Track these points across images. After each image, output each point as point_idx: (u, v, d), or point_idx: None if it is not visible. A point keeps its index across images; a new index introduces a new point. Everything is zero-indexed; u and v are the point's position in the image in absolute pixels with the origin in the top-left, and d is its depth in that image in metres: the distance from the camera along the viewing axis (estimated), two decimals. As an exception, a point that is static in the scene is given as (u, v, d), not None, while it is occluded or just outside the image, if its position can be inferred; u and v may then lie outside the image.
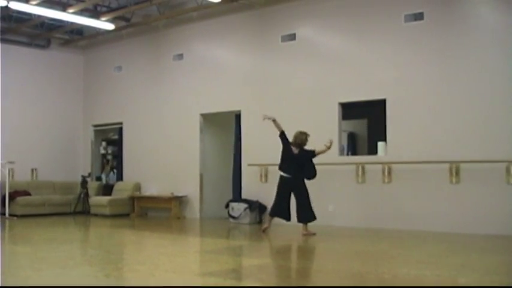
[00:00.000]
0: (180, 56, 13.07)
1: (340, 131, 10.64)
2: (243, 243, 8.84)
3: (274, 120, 9.24)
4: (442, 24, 9.43)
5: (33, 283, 5.19)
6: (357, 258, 6.91)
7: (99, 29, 13.21)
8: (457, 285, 5.14)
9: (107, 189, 14.28)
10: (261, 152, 11.24)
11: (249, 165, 11.48)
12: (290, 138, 9.25)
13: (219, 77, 12.28)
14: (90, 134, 15.22)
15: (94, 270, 6.03)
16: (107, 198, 13.25)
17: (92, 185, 14.29)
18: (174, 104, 13.11)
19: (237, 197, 11.74)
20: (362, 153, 12.62)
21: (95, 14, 12.46)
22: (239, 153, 11.92)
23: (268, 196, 10.13)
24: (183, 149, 12.79)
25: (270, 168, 10.94)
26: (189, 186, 12.63)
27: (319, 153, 9.15)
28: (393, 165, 9.72)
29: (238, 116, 12.04)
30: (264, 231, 9.17)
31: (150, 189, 13.39)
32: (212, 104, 12.40)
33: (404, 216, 9.54)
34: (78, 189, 13.84)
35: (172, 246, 8.46)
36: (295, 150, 9.14)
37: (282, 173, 9.17)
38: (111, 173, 14.99)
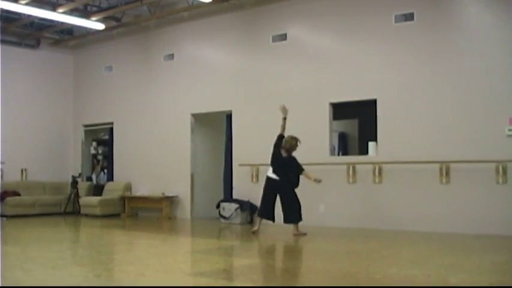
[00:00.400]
0: (171, 56, 13.04)
1: (331, 131, 10.66)
2: (234, 243, 8.83)
3: (285, 118, 9.20)
4: (432, 25, 9.47)
5: (23, 283, 5.16)
6: (348, 258, 6.93)
7: (90, 28, 13.15)
8: (448, 285, 5.16)
9: (98, 190, 14.23)
10: (252, 152, 11.24)
11: (240, 165, 11.48)
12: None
13: (210, 77, 12.26)
14: (81, 134, 15.15)
15: (84, 270, 6.01)
16: (98, 198, 13.20)
17: (83, 185, 14.23)
18: (165, 104, 13.08)
19: (228, 197, 11.73)
20: (353, 154, 12.65)
21: (85, 13, 12.40)
22: (230, 153, 11.91)
23: (259, 196, 10.10)
24: (174, 149, 12.77)
25: (261, 168, 10.93)
26: (180, 187, 12.61)
27: (304, 174, 9.06)
28: (384, 165, 9.75)
29: (229, 116, 12.03)
30: (253, 232, 9.14)
31: (141, 190, 13.35)
32: (203, 104, 12.38)
33: (394, 216, 9.56)
34: (69, 190, 13.79)
35: (162, 247, 8.44)
36: (284, 153, 9.13)
37: (270, 175, 9.13)
38: (102, 173, 14.93)
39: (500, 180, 8.61)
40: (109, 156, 14.56)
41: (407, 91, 9.63)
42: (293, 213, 8.98)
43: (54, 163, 14.74)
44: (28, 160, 14.21)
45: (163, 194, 12.53)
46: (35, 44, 14.51)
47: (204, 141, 12.86)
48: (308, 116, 10.65)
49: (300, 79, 10.88)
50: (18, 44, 14.19)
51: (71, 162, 15.09)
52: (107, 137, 14.81)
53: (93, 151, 15.26)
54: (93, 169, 15.19)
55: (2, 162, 12.78)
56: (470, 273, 5.69)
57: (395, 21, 9.79)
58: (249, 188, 11.27)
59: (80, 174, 14.40)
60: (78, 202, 13.48)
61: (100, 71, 14.65)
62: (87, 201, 13.29)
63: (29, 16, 12.56)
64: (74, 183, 13.67)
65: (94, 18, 12.34)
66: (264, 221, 9.34)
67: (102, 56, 14.61)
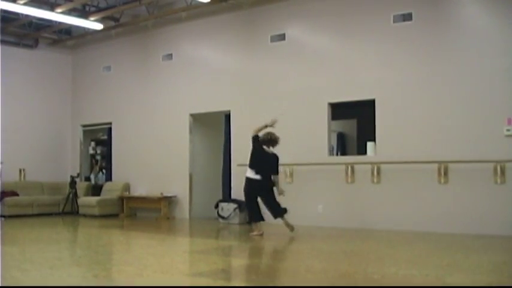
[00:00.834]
0: (169, 56, 13.04)
1: (330, 131, 10.66)
2: (233, 244, 8.82)
3: (266, 126, 9.01)
4: (430, 25, 9.47)
5: (21, 284, 5.15)
6: (346, 258, 6.93)
7: (88, 28, 13.14)
8: (445, 285, 5.16)
9: (96, 190, 14.23)
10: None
11: (239, 165, 11.46)
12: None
13: (208, 77, 12.26)
14: (79, 134, 15.15)
15: (82, 270, 6.00)
16: (96, 198, 13.19)
17: (81, 185, 14.23)
18: (164, 104, 13.08)
19: (227, 197, 11.73)
20: (351, 154, 12.66)
21: (83, 13, 12.40)
22: (229, 153, 11.91)
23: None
24: (173, 149, 12.76)
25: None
26: (178, 187, 12.60)
27: (275, 179, 9.02)
28: (382, 165, 9.75)
29: (227, 116, 12.03)
30: (261, 235, 8.92)
31: (139, 190, 13.34)
32: (202, 104, 12.38)
33: (393, 216, 9.57)
34: (67, 190, 13.77)
35: (161, 247, 8.43)
36: (267, 148, 9.02)
37: (253, 176, 8.94)
38: (100, 173, 14.93)
39: (499, 180, 8.62)
40: (107, 156, 14.55)
41: (405, 91, 9.64)
42: (279, 207, 9.00)
43: (52, 163, 14.73)
44: (26, 160, 14.19)
45: (161, 194, 12.52)
46: (33, 44, 14.50)
47: (203, 141, 12.86)
48: (306, 116, 10.66)
49: (298, 79, 10.88)
50: (16, 44, 14.17)
51: (70, 162, 15.08)
52: (105, 137, 14.81)
53: (91, 151, 15.26)
54: (91, 169, 15.19)
55: (0, 162, 12.77)
56: (469, 273, 5.69)
57: (394, 21, 9.79)
58: (247, 188, 11.26)
59: (78, 174, 14.39)
60: (77, 202, 13.47)
61: (98, 71, 14.64)
62: (86, 201, 13.29)
63: (27, 16, 12.55)
64: (73, 183, 13.65)
65: (92, 18, 12.33)
66: (265, 221, 9.32)
67: (100, 56, 14.60)
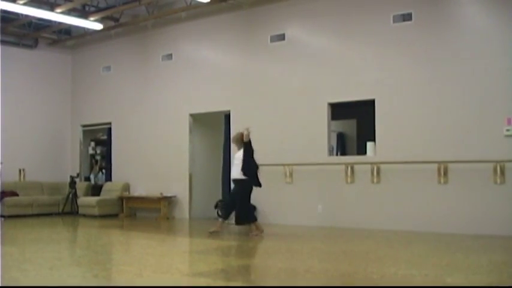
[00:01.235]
0: (169, 56, 13.03)
1: (329, 131, 10.66)
2: (232, 244, 8.82)
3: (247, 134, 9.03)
4: (430, 25, 9.47)
5: (21, 284, 5.15)
6: (345, 258, 6.93)
7: (88, 28, 13.15)
8: (445, 285, 5.16)
9: (96, 190, 14.23)
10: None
11: (238, 165, 11.47)
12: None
13: (208, 77, 12.26)
14: (79, 134, 15.14)
15: (82, 270, 6.00)
16: (96, 198, 13.19)
17: (81, 185, 14.23)
18: (163, 104, 13.08)
19: (227, 197, 11.72)
20: (351, 154, 12.65)
21: (83, 13, 12.40)
22: (228, 153, 11.88)
23: (257, 196, 10.09)
24: (172, 149, 12.76)
25: (260, 168, 10.93)
26: (178, 187, 12.60)
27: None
28: (382, 166, 9.75)
29: (227, 116, 12.03)
30: (262, 232, 9.04)
31: (139, 190, 13.34)
32: (201, 104, 12.38)
33: (392, 216, 9.57)
34: (67, 190, 13.77)
35: (160, 247, 8.43)
36: (238, 149, 9.13)
37: (246, 178, 8.93)
38: (100, 173, 14.93)
39: (498, 180, 8.62)
40: (107, 157, 14.55)
41: (405, 91, 9.64)
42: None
43: (52, 163, 14.73)
44: (26, 160, 14.19)
45: (161, 194, 12.52)
46: (33, 44, 14.50)
47: (203, 141, 12.86)
48: (306, 116, 10.66)
49: (298, 79, 10.88)
50: (16, 44, 14.17)
51: (69, 163, 15.08)
52: (105, 137, 14.81)
53: (91, 151, 15.26)
54: (91, 169, 15.18)
55: (0, 163, 12.76)
56: (468, 273, 5.69)
57: (394, 22, 9.79)
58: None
59: (78, 175, 14.38)
60: (76, 202, 13.47)
61: (98, 71, 14.64)
62: (85, 201, 13.29)
63: (27, 16, 12.55)
64: (72, 183, 13.65)
65: (92, 18, 12.33)
66: (263, 221, 9.34)
67: (100, 56, 14.59)
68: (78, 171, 14.72)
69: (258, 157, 10.45)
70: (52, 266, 6.12)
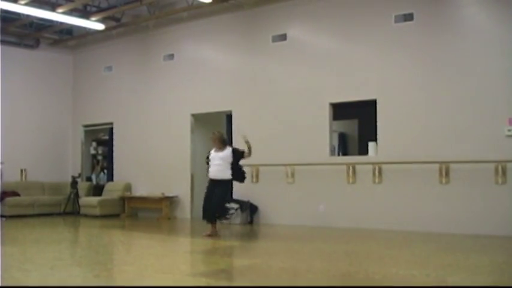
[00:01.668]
0: (171, 56, 13.04)
1: (331, 131, 10.65)
2: (234, 244, 8.81)
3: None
4: (432, 25, 9.46)
5: (22, 284, 5.15)
6: (347, 258, 6.92)
7: (89, 29, 13.14)
8: (446, 285, 5.16)
9: (97, 190, 14.23)
10: (252, 152, 11.20)
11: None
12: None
13: (210, 77, 12.26)
14: (80, 134, 15.15)
15: (83, 270, 6.00)
16: (97, 198, 13.20)
17: (82, 185, 14.23)
18: (165, 104, 13.08)
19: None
20: (353, 154, 12.65)
21: (84, 14, 12.41)
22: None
23: (259, 196, 10.14)
24: (174, 149, 12.76)
25: (261, 168, 10.95)
26: (180, 187, 12.60)
27: None
28: (384, 166, 9.74)
29: (229, 116, 12.03)
30: (210, 236, 8.85)
31: (141, 190, 13.34)
32: (203, 104, 12.38)
33: (394, 216, 9.56)
34: (68, 190, 13.78)
35: (162, 247, 8.43)
36: (218, 149, 9.16)
37: (230, 178, 8.97)
38: (102, 173, 14.93)
39: (500, 180, 8.61)
40: (109, 157, 14.56)
41: (407, 91, 9.63)
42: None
43: (53, 163, 14.74)
44: (27, 160, 14.20)
45: (163, 194, 12.52)
46: (34, 44, 14.51)
47: (204, 141, 12.82)
48: (308, 116, 10.65)
49: (299, 79, 10.88)
50: (17, 44, 14.19)
51: (71, 163, 15.09)
52: (106, 137, 14.81)
53: (92, 151, 15.27)
54: (92, 169, 15.19)
55: (1, 163, 12.78)
56: (469, 274, 5.68)
57: (395, 22, 9.79)
58: (249, 188, 11.24)
59: (79, 175, 14.39)
60: (78, 202, 13.47)
61: (99, 71, 14.65)
62: (87, 201, 13.29)
63: (28, 16, 12.56)
64: (74, 183, 13.66)
65: (93, 19, 12.34)
66: (265, 220, 9.32)
67: (101, 56, 14.60)
68: (79, 171, 14.73)
69: (260, 157, 10.49)
70: (53, 266, 6.12)
